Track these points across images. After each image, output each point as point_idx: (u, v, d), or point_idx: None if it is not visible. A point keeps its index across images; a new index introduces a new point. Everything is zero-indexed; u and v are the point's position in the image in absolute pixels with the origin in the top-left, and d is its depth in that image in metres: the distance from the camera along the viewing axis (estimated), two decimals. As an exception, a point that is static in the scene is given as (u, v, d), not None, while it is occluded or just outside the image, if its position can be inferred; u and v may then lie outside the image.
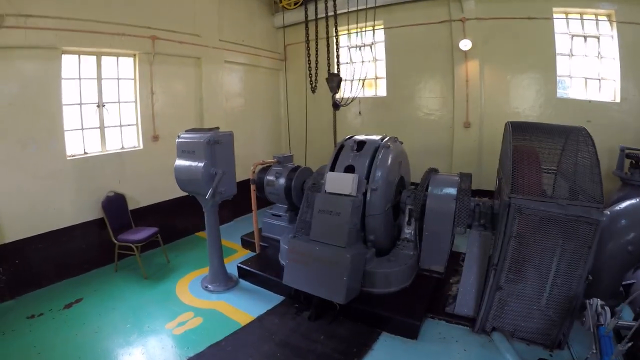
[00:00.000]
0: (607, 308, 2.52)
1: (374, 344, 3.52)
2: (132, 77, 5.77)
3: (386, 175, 4.31)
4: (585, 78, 6.11)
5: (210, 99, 6.84)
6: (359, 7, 5.71)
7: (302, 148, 8.20)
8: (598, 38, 6.03)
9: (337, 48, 5.49)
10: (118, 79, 5.63)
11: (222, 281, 4.68)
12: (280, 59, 8.73)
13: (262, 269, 4.80)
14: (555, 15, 5.74)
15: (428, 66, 6.95)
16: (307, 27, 5.27)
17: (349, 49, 7.51)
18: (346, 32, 6.22)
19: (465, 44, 6.00)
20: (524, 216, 3.09)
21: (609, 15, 5.81)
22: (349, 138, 4.87)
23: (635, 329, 2.16)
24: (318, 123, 8.16)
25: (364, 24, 5.83)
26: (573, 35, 6.10)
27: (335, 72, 5.50)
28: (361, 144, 4.57)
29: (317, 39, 5.31)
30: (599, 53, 6.03)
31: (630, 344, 2.16)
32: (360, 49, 7.13)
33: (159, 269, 5.26)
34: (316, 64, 5.43)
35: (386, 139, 4.61)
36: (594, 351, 2.33)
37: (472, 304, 3.78)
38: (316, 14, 5.40)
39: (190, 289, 4.64)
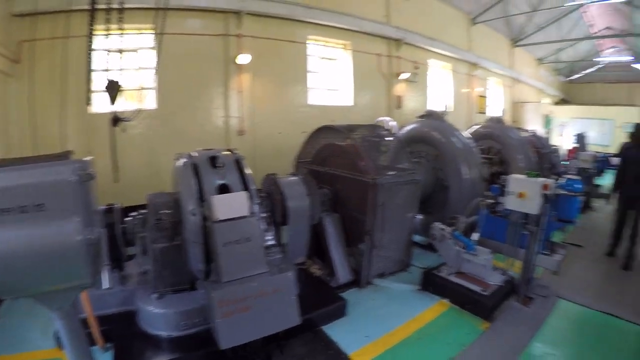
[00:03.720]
0: (443, 225, 5.42)
1: (328, 337, 4.56)
2: None
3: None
4: (328, 89, 9.90)
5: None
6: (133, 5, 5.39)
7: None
8: (337, 60, 10.36)
9: (121, 49, 5.03)
10: None
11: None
12: (12, 60, 6.38)
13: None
14: (308, 42, 8.59)
15: (203, 77, 7.88)
16: (92, 13, 4.29)
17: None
18: (113, 32, 5.51)
19: (243, 58, 7.43)
20: (384, 189, 5.39)
21: (345, 45, 9.69)
22: (187, 156, 4.89)
23: (472, 221, 5.15)
24: (75, 145, 6.94)
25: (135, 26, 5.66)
26: (321, 57, 9.91)
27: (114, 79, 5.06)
28: (217, 159, 4.86)
29: (91, 34, 4.53)
30: (338, 72, 10.43)
31: (478, 234, 5.14)
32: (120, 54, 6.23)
33: None
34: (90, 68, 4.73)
35: (233, 151, 5.19)
36: (458, 248, 5.13)
37: (348, 270, 5.72)
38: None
39: None
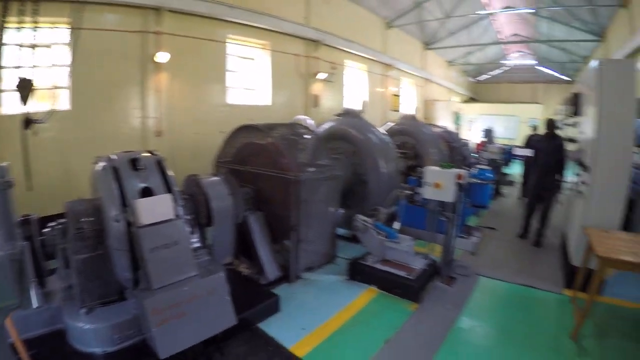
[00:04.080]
0: (365, 217, 5.84)
1: (266, 334, 4.74)
2: None
3: (175, 189, 5.05)
4: (246, 88, 10.15)
5: None
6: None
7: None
8: (255, 60, 10.91)
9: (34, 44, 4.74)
10: None
11: None
12: None
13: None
14: (228, 41, 8.84)
15: (120, 76, 7.62)
16: (5, 4, 4.00)
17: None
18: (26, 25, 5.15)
19: (162, 57, 7.31)
20: (306, 185, 5.66)
21: (264, 45, 10.10)
22: (107, 160, 4.77)
23: (392, 212, 5.60)
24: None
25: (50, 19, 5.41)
26: (239, 57, 10.09)
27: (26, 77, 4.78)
28: (138, 161, 4.79)
29: (2, 27, 4.23)
30: (256, 71, 10.63)
31: (400, 223, 5.61)
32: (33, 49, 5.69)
33: None
34: None
35: (153, 152, 5.14)
36: (381, 237, 5.56)
37: (277, 267, 5.90)
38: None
39: None
